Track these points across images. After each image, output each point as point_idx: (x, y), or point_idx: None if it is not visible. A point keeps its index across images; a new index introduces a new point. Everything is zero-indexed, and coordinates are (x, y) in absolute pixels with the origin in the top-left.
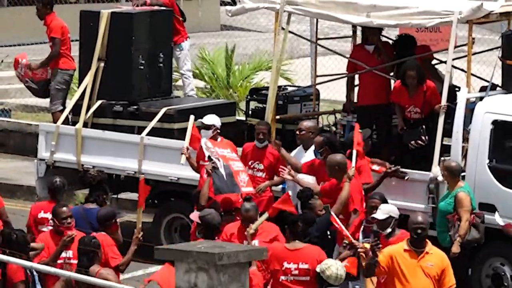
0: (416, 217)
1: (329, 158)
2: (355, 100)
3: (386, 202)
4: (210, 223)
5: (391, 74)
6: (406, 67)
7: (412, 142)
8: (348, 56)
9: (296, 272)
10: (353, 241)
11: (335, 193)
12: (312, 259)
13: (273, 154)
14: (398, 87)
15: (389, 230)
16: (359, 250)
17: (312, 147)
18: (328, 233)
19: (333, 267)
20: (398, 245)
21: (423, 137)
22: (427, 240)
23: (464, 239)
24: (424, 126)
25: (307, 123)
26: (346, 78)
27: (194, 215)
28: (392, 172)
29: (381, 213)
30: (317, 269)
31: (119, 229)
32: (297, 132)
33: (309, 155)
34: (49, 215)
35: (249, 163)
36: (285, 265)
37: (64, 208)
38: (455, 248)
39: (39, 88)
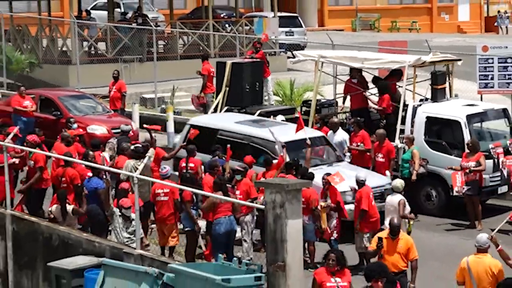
0: (393, 220)
1: (377, 131)
2: (348, 106)
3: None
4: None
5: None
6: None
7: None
8: (349, 84)
9: None
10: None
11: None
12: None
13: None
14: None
15: None
16: (325, 207)
17: (339, 131)
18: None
19: (396, 181)
20: (383, 232)
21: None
22: (400, 231)
23: (418, 172)
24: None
25: (332, 119)
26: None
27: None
28: None
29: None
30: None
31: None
32: (328, 124)
33: (338, 135)
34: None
35: None
36: None
37: (217, 162)
38: (414, 177)
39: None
